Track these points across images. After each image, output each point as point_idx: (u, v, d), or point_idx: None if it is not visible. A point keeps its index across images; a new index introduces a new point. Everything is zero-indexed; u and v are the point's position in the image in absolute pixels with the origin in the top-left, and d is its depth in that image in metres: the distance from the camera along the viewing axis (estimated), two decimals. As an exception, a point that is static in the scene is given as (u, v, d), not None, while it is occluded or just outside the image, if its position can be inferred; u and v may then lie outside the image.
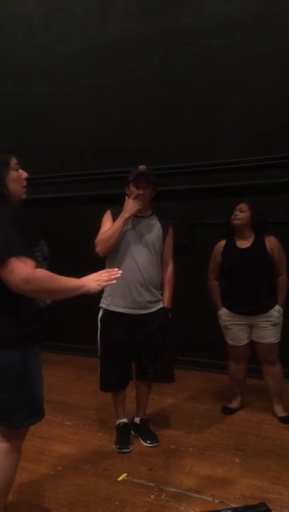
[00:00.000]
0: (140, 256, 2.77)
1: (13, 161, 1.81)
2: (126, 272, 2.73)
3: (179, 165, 4.19)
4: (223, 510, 1.11)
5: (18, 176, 1.81)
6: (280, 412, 3.24)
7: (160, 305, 2.86)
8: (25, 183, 1.84)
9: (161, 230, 2.86)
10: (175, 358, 4.12)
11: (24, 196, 1.85)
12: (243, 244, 3.18)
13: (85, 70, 4.65)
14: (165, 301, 2.88)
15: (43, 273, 1.67)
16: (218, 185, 4.05)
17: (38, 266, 1.70)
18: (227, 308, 3.25)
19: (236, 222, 3.15)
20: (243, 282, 3.11)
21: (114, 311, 2.78)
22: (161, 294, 2.89)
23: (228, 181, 4.01)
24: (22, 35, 5.03)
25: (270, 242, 3.13)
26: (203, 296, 4.13)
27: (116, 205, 2.86)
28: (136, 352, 2.84)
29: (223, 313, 3.27)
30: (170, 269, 2.93)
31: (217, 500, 2.29)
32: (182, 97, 4.19)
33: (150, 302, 2.80)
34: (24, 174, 1.84)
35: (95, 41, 4.59)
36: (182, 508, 2.25)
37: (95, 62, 4.59)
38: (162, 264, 2.90)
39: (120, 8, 4.46)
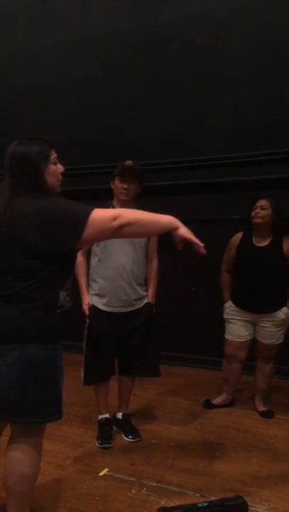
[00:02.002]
0: (125, 253, 2.77)
1: (53, 155, 1.79)
2: (111, 270, 2.74)
3: (163, 160, 4.19)
4: (200, 503, 1.11)
5: (55, 170, 1.79)
6: (261, 407, 3.28)
7: (144, 301, 2.86)
8: (61, 177, 1.82)
9: None
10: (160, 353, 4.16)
11: (59, 189, 1.83)
12: (260, 242, 3.16)
13: (68, 64, 4.62)
14: (149, 297, 2.88)
15: (125, 209, 1.71)
16: (203, 181, 4.06)
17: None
18: (233, 302, 3.25)
19: (257, 220, 3.10)
20: (254, 280, 3.09)
21: (101, 310, 2.78)
22: (146, 291, 2.89)
23: (213, 177, 4.03)
24: (4, 29, 4.96)
25: (288, 244, 3.12)
26: (187, 292, 4.17)
27: (99, 201, 2.84)
28: (120, 348, 2.84)
29: (229, 306, 3.28)
30: (154, 264, 2.92)
31: (198, 494, 2.30)
32: (167, 93, 4.19)
33: (135, 300, 2.81)
34: (61, 168, 1.82)
35: (78, 35, 4.56)
36: (163, 502, 2.25)
37: (79, 57, 4.56)
38: (147, 261, 2.90)
39: (104, 2, 4.43)
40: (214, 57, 4.00)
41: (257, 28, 3.83)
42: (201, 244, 1.78)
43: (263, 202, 3.10)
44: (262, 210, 3.09)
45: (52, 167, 1.77)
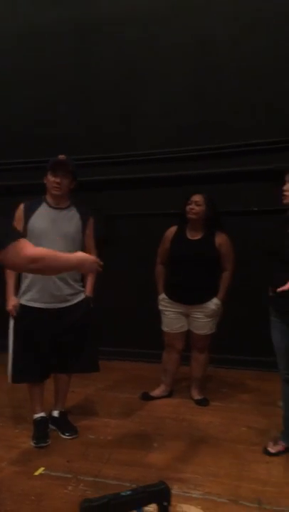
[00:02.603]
0: (58, 249, 2.69)
1: None
2: None
3: (98, 155, 4.16)
4: (123, 492, 1.13)
5: None
6: (197, 396, 3.37)
7: (81, 296, 2.84)
8: None
9: (80, 221, 2.82)
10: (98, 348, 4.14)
11: None
12: (194, 235, 3.23)
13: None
14: (88, 290, 2.86)
15: (44, 251, 1.72)
16: (137, 176, 4.08)
17: None
18: (166, 294, 3.30)
19: (191, 216, 3.17)
20: (186, 272, 3.16)
21: (32, 307, 2.72)
22: (83, 286, 2.87)
23: (146, 172, 4.06)
24: None
25: (220, 238, 3.20)
26: (125, 286, 4.18)
27: (33, 195, 2.79)
28: (56, 345, 2.79)
29: (162, 298, 3.33)
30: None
31: (134, 485, 2.31)
32: (98, 87, 4.16)
33: (70, 295, 2.77)
34: None
35: (5, 27, 4.41)
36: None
37: (8, 49, 4.41)
38: None
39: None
40: (145, 53, 4.01)
41: (188, 24, 3.89)
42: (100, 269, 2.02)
43: (197, 198, 3.17)
44: (196, 206, 3.16)
45: None
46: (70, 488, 2.34)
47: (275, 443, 2.65)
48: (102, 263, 2.00)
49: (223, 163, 3.80)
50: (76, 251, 2.81)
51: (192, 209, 3.17)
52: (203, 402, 3.32)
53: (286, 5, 3.58)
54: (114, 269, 4.11)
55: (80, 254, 1.95)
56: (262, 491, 2.29)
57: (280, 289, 2.22)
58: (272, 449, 2.63)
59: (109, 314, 4.20)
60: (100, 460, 2.60)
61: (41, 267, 1.69)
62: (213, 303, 3.21)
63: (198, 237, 3.23)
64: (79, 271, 1.86)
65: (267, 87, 3.68)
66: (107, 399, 3.46)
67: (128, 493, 1.11)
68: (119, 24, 4.07)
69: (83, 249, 2.84)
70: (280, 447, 2.63)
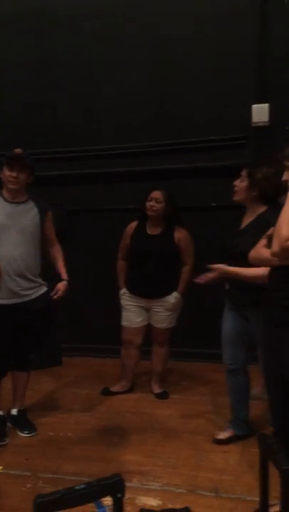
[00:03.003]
0: (16, 244, 2.69)
1: None
2: (0, 261, 2.63)
3: (55, 150, 4.11)
4: (77, 486, 1.13)
5: None
6: (157, 389, 3.40)
7: (41, 291, 2.81)
8: None
9: (38, 215, 2.80)
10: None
11: None
12: (153, 231, 3.26)
13: None
14: (63, 275, 2.87)
15: None
16: (97, 171, 4.06)
17: None
18: (127, 288, 3.32)
19: (151, 213, 3.20)
20: (146, 266, 3.19)
21: None
22: (43, 280, 2.85)
23: (106, 167, 4.05)
24: None
25: (179, 233, 3.24)
26: (85, 282, 4.16)
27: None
28: (14, 341, 2.75)
29: (123, 293, 3.34)
30: (57, 246, 2.92)
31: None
32: (55, 81, 4.10)
33: (29, 289, 2.74)
34: None
35: None
36: (58, 493, 2.25)
37: None
38: (49, 246, 2.89)
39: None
40: (103, 47, 3.99)
41: (145, 19, 3.88)
42: None
43: (157, 194, 3.20)
44: (157, 203, 3.19)
45: None
46: (28, 485, 2.32)
47: (224, 431, 2.73)
48: None
49: (183, 159, 3.84)
50: (35, 245, 2.80)
51: (152, 206, 3.19)
52: (163, 396, 3.35)
53: (241, 1, 3.64)
54: (75, 265, 4.12)
55: None
56: (219, 479, 2.35)
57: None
58: (220, 436, 2.70)
59: (70, 310, 4.17)
60: (59, 457, 2.59)
61: None
62: (173, 297, 3.24)
63: (157, 232, 3.26)
64: None
65: (223, 83, 3.74)
66: (67, 395, 3.45)
67: (82, 486, 1.12)
68: (78, 17, 4.02)
69: (43, 243, 2.83)
70: (228, 434, 2.71)
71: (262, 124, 3.61)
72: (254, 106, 3.59)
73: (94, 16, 3.99)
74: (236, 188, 2.54)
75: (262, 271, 2.19)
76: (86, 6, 4.00)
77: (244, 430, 2.69)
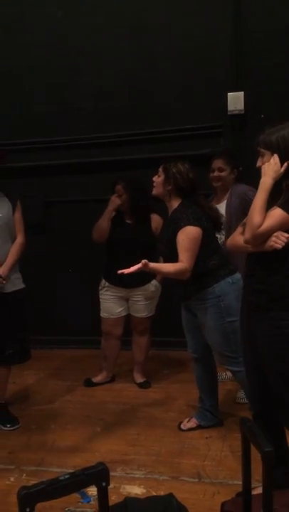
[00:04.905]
0: None
1: None
2: None
3: (31, 140, 4.05)
4: (62, 476, 1.13)
5: None
6: (139, 379, 3.42)
7: (16, 287, 2.79)
8: None
9: (9, 204, 2.78)
10: (37, 338, 4.08)
11: None
12: (130, 219, 3.26)
13: None
14: (1, 269, 2.70)
15: None
16: (74, 161, 4.01)
17: None
18: (106, 279, 3.30)
19: (116, 207, 3.20)
20: (123, 255, 3.12)
21: None
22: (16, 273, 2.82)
23: (84, 157, 4.00)
24: None
25: (155, 222, 3.23)
26: (62, 273, 4.14)
27: None
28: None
29: (102, 287, 3.33)
30: (18, 240, 2.81)
31: (78, 471, 2.34)
32: (28, 69, 4.01)
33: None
34: None
35: None
36: (43, 485, 2.25)
37: None
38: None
39: None
40: (77, 34, 3.92)
41: (121, 7, 3.82)
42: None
43: (118, 188, 3.22)
44: (118, 196, 3.20)
45: None
46: (12, 479, 2.32)
47: (189, 420, 2.77)
48: None
49: (160, 148, 3.82)
50: (11, 236, 2.76)
51: (114, 200, 3.22)
52: (145, 385, 3.37)
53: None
54: (52, 256, 4.10)
55: None
56: (202, 465, 2.39)
57: (120, 271, 2.25)
58: (184, 426, 2.75)
59: (49, 301, 4.16)
60: (42, 449, 2.60)
61: None
62: (153, 285, 3.26)
63: (133, 221, 3.27)
64: None
65: (198, 72, 3.72)
66: (49, 387, 3.44)
67: (66, 477, 1.12)
68: (51, 3, 3.93)
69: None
70: (191, 423, 2.75)
71: (237, 112, 3.61)
72: (229, 94, 3.59)
73: (66, 2, 3.92)
74: (154, 184, 2.56)
75: (182, 266, 2.29)
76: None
77: (208, 420, 2.73)
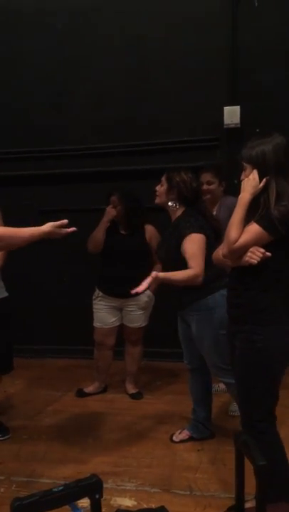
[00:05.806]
0: None
1: None
2: None
3: (27, 149, 4.06)
4: (55, 488, 1.13)
5: None
6: (131, 389, 3.41)
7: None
8: None
9: None
10: (29, 347, 4.06)
11: None
12: (124, 229, 3.27)
13: None
14: None
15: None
16: (69, 170, 4.02)
17: None
18: (100, 289, 3.30)
19: (111, 218, 3.21)
20: (117, 265, 3.18)
21: None
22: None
23: (79, 167, 4.02)
24: None
25: (149, 232, 3.24)
26: (55, 283, 4.13)
27: None
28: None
29: (96, 297, 3.32)
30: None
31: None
32: (27, 78, 4.03)
33: None
34: None
35: None
36: (33, 496, 2.23)
37: None
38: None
39: None
40: (76, 45, 3.96)
41: (121, 18, 3.86)
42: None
43: (112, 199, 3.24)
44: (113, 207, 3.22)
45: None
46: (2, 490, 2.30)
47: (181, 432, 2.76)
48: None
49: (156, 160, 3.84)
50: None
51: (110, 211, 3.23)
52: (137, 396, 3.36)
53: (214, 5, 3.68)
54: (46, 265, 4.09)
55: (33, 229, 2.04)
56: (193, 478, 2.38)
57: (133, 291, 2.23)
58: (176, 438, 2.74)
59: (41, 310, 4.14)
60: (33, 459, 2.57)
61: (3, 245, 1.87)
62: (146, 295, 3.25)
63: (128, 232, 3.28)
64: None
65: (195, 86, 3.76)
66: (40, 397, 3.41)
67: (60, 488, 1.11)
68: (51, 15, 3.97)
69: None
70: (183, 435, 2.74)
71: (233, 125, 3.66)
72: (226, 108, 3.64)
73: (66, 14, 3.96)
74: (157, 193, 2.58)
75: (193, 272, 2.29)
76: (58, 2, 3.95)
77: (200, 432, 2.73)
